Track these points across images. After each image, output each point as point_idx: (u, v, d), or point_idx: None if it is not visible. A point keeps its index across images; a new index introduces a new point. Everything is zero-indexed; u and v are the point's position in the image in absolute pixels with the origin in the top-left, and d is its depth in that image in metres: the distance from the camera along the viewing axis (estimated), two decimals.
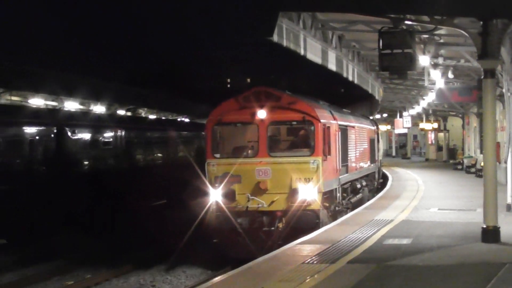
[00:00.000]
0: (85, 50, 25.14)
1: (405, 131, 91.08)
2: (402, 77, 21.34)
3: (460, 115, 63.92)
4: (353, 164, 28.89)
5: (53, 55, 25.63)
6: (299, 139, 23.22)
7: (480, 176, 31.46)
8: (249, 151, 22.79)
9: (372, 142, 36.86)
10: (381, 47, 18.30)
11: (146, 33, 23.59)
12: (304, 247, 18.14)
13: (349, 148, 27.79)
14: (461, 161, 56.60)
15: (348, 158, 27.49)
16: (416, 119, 79.62)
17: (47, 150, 28.82)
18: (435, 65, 34.87)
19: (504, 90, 32.10)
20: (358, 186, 30.62)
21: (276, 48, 24.14)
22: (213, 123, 22.94)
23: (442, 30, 25.09)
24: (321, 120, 22.46)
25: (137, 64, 29.99)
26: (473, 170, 48.56)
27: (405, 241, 18.68)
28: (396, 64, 18.43)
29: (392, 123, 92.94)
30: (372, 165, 36.29)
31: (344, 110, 31.16)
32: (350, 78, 36.52)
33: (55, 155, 29.12)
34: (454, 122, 73.80)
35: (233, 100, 22.95)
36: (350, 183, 28.26)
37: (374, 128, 39.27)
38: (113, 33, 23.11)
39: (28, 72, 30.80)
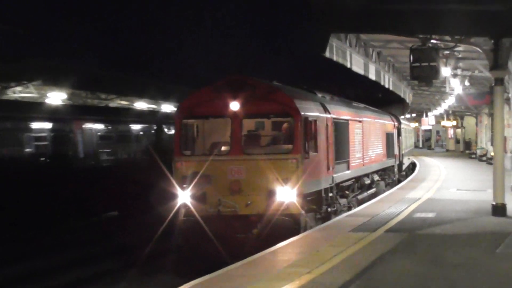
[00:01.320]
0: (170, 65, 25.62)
1: (429, 127, 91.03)
2: (428, 84, 21.16)
3: (474, 115, 62.97)
4: (358, 160, 22.80)
5: (152, 68, 26.25)
6: (277, 134, 17.65)
7: (490, 164, 31.08)
8: (222, 148, 16.80)
9: (389, 137, 30.35)
10: (411, 61, 18.32)
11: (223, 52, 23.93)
12: (351, 219, 18.14)
13: (352, 143, 21.84)
14: (475, 152, 55.88)
15: (350, 154, 21.44)
16: (439, 118, 78.82)
17: (148, 143, 29.39)
18: (454, 75, 34.44)
19: (510, 95, 31.76)
20: (368, 181, 24.76)
21: (328, 62, 24.26)
22: (181, 116, 16.78)
23: (461, 47, 24.85)
24: (302, 113, 16.26)
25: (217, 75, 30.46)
26: (484, 158, 47.99)
27: (430, 215, 18.64)
28: (423, 74, 18.42)
29: (419, 121, 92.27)
30: (389, 159, 30.24)
31: (353, 103, 25.26)
32: (387, 86, 36.51)
33: (154, 147, 29.68)
34: (469, 121, 72.76)
35: (205, 90, 16.70)
36: (354, 179, 22.40)
37: (393, 123, 32.47)
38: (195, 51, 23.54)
39: (133, 81, 31.44)
